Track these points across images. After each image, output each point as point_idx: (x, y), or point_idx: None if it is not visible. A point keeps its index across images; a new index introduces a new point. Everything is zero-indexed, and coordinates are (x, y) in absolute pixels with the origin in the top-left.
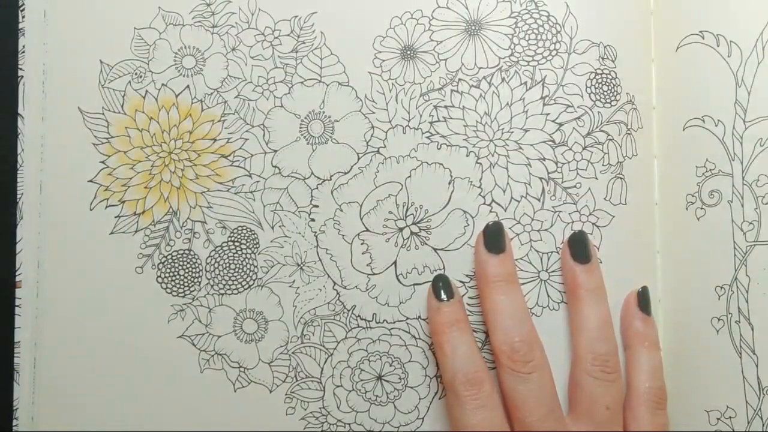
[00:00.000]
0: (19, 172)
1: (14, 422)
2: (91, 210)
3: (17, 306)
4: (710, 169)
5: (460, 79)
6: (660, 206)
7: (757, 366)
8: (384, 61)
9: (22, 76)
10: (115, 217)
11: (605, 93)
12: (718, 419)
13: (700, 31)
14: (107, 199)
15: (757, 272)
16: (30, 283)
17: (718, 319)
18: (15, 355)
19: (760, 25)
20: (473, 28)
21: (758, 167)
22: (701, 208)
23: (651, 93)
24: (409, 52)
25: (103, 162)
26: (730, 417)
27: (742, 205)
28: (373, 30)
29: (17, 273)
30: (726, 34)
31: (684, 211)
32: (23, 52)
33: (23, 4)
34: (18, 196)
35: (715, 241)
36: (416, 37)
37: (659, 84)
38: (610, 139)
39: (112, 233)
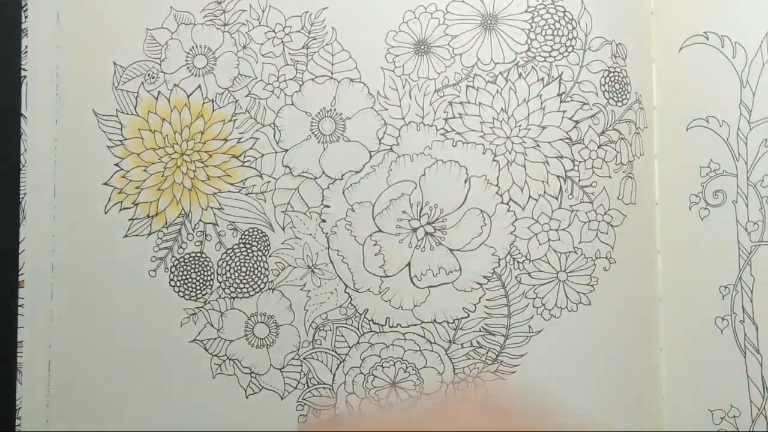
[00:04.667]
0: (21, 172)
1: (17, 422)
2: (105, 213)
3: (20, 306)
4: (714, 170)
5: (476, 75)
6: (661, 206)
7: (761, 365)
8: (397, 56)
9: (24, 77)
10: (129, 219)
11: (617, 91)
12: (722, 418)
13: (705, 32)
14: (121, 201)
15: (762, 272)
16: (43, 285)
17: (722, 319)
18: (18, 354)
19: (765, 27)
20: (489, 22)
21: (763, 167)
22: (705, 208)
23: (651, 93)
24: (423, 47)
25: (117, 165)
26: (734, 416)
27: (747, 206)
28: (386, 24)
29: (20, 273)
30: (731, 35)
31: (687, 211)
32: (26, 52)
33: (26, 5)
34: (21, 196)
35: (720, 241)
36: (430, 31)
37: (662, 84)
38: (622, 138)
39: (126, 236)
